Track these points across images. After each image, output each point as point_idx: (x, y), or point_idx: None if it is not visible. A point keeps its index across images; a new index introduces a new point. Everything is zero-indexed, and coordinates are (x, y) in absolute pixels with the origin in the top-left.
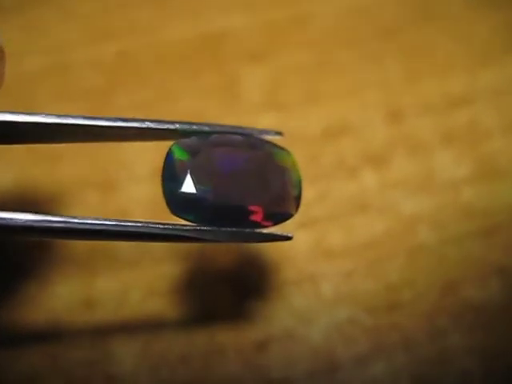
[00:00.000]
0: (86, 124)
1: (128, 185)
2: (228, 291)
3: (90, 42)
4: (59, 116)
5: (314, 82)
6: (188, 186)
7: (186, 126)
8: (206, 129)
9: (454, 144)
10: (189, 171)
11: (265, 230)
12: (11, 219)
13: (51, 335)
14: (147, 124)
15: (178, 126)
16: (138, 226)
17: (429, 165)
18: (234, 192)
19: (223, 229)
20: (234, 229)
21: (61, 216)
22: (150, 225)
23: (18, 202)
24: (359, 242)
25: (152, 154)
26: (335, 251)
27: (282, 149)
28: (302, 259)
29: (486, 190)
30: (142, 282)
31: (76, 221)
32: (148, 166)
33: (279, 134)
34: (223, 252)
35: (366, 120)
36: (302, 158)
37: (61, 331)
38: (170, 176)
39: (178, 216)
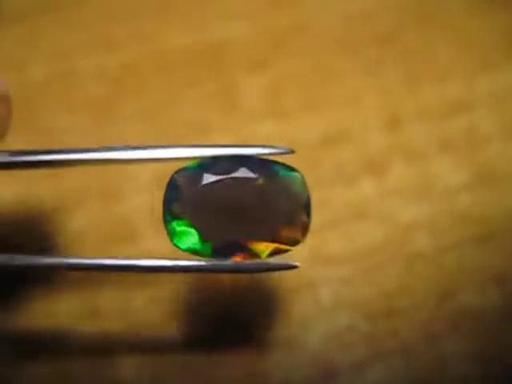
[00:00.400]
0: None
1: (131, 194)
2: (228, 299)
3: (94, 52)
4: None
5: (313, 90)
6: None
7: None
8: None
9: (453, 150)
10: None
11: (270, 260)
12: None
13: (55, 343)
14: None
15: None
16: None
17: (427, 172)
18: (234, 227)
19: (226, 262)
20: (238, 262)
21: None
22: (148, 263)
23: (22, 210)
24: (358, 248)
25: (155, 163)
26: (334, 258)
27: (290, 170)
28: (301, 265)
29: (484, 196)
30: (144, 293)
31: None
32: (151, 176)
33: (290, 151)
34: None
35: (364, 127)
36: (301, 165)
37: (64, 339)
38: (170, 219)
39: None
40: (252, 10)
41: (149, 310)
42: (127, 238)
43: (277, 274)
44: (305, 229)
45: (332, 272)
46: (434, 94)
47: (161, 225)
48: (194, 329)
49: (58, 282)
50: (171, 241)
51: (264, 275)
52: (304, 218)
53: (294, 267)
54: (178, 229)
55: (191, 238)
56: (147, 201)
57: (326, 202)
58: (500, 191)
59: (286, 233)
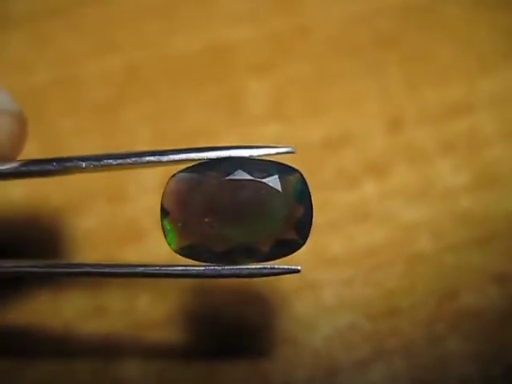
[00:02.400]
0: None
1: (138, 196)
2: (230, 298)
3: (98, 55)
4: None
5: (316, 93)
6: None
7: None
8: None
9: (454, 152)
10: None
11: (271, 264)
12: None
13: (61, 341)
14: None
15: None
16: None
17: (428, 173)
18: (234, 231)
19: (226, 267)
20: (237, 266)
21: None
22: (147, 269)
23: (29, 213)
24: (359, 249)
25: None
26: (336, 259)
27: (290, 170)
28: (303, 267)
29: (485, 198)
30: (148, 292)
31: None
32: (158, 178)
33: (291, 151)
34: None
35: (366, 130)
36: (303, 167)
37: (70, 337)
38: (166, 223)
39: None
40: (256, 14)
41: (153, 310)
42: (134, 240)
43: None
44: (306, 230)
45: (334, 272)
46: (434, 96)
47: None
48: (197, 329)
49: (63, 281)
50: (169, 245)
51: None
52: (305, 219)
53: (296, 271)
54: (174, 231)
55: (185, 241)
56: (154, 202)
57: (328, 203)
58: (501, 192)
59: (286, 235)
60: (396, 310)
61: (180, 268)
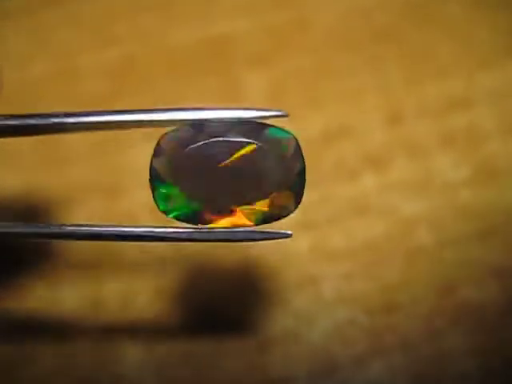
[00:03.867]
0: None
1: (134, 189)
2: (230, 293)
3: (95, 47)
4: None
5: (315, 86)
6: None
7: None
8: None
9: (453, 146)
10: (172, 180)
11: (261, 228)
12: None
13: (59, 336)
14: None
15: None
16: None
17: (428, 167)
18: (223, 191)
19: (219, 229)
20: (230, 228)
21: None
22: (143, 229)
23: (26, 206)
24: (359, 244)
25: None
26: (335, 253)
27: (284, 134)
28: (302, 261)
29: (485, 192)
30: (147, 285)
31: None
32: None
33: (284, 115)
34: (226, 255)
35: (366, 123)
36: None
37: (68, 332)
38: (156, 184)
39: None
40: (255, 6)
41: (152, 304)
42: None
43: (278, 268)
44: (297, 196)
45: (333, 267)
46: (434, 90)
47: (164, 219)
48: (196, 322)
49: (62, 271)
50: (158, 207)
51: (267, 270)
52: (296, 185)
53: (287, 236)
54: (164, 192)
55: (178, 201)
56: (149, 195)
57: (328, 197)
58: (500, 186)
59: (277, 199)
60: (395, 305)
61: (171, 230)
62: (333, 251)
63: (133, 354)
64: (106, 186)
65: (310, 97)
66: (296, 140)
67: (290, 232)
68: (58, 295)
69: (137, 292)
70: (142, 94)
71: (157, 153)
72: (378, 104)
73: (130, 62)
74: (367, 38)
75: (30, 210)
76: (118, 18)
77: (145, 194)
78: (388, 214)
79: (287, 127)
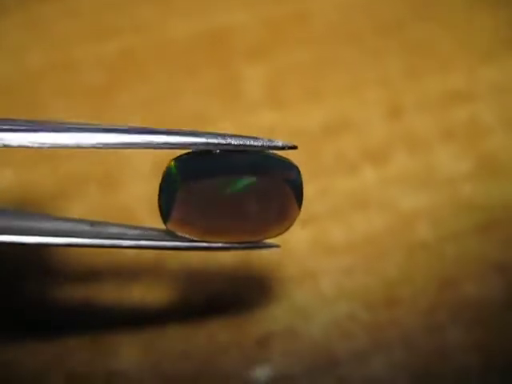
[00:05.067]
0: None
1: (130, 182)
2: (229, 288)
3: (93, 39)
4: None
5: (314, 79)
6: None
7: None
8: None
9: (454, 140)
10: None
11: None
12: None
13: (53, 333)
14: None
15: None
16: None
17: (429, 161)
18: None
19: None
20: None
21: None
22: (141, 241)
23: (20, 198)
24: (359, 238)
25: (154, 150)
26: (335, 247)
27: (287, 164)
28: (302, 255)
29: (486, 186)
30: (142, 279)
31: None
32: (150, 163)
33: (293, 147)
34: None
35: (366, 116)
36: (302, 154)
37: (62, 329)
38: (165, 210)
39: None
40: None
41: (148, 301)
42: None
43: (277, 263)
44: (292, 223)
45: (333, 261)
46: (435, 84)
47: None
48: (194, 318)
49: (56, 267)
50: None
51: (266, 264)
52: (296, 214)
53: (276, 246)
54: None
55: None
56: (146, 189)
57: (327, 190)
58: (501, 181)
59: (275, 230)
60: (396, 300)
61: (169, 241)
62: (332, 245)
63: (128, 351)
64: (101, 177)
65: (309, 90)
66: (298, 169)
67: (277, 244)
68: (51, 291)
69: (132, 287)
70: (140, 86)
71: (166, 179)
72: (379, 97)
73: (127, 54)
74: (368, 31)
75: (22, 205)
76: (116, 10)
77: (139, 185)
78: (388, 207)
79: (287, 120)
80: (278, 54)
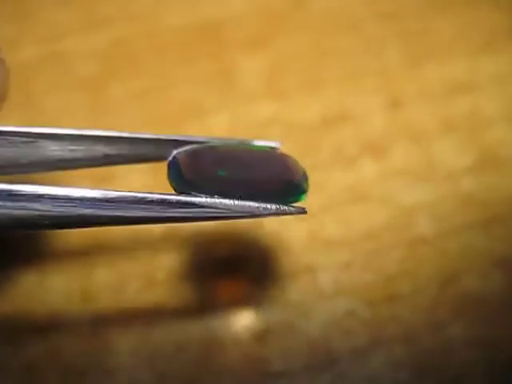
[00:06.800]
0: None
1: (126, 175)
2: (226, 283)
3: (86, 30)
4: None
5: (313, 69)
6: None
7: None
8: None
9: (455, 133)
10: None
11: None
12: None
13: (49, 326)
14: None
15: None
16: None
17: (429, 154)
18: (243, 176)
19: (236, 202)
20: (248, 203)
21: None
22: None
23: None
24: (358, 232)
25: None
26: (334, 242)
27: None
28: (300, 250)
29: (487, 180)
30: (139, 273)
31: None
32: None
33: (303, 212)
34: (221, 243)
35: (365, 108)
36: (300, 146)
37: (58, 322)
38: (177, 176)
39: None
40: None
41: (143, 295)
42: None
43: (275, 259)
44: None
45: (331, 257)
46: (435, 74)
47: None
48: (190, 313)
49: (50, 260)
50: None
51: (264, 259)
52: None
53: (303, 212)
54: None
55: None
56: (142, 183)
57: (325, 184)
58: (503, 174)
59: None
60: (396, 296)
61: (185, 198)
62: (331, 240)
63: (124, 345)
64: (95, 172)
65: (307, 80)
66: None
67: (305, 208)
68: (46, 284)
69: (128, 280)
70: (133, 77)
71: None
72: (378, 88)
73: (121, 45)
74: (367, 20)
75: None
76: (109, 1)
77: (135, 179)
78: (388, 202)
79: (285, 111)
80: (275, 43)
